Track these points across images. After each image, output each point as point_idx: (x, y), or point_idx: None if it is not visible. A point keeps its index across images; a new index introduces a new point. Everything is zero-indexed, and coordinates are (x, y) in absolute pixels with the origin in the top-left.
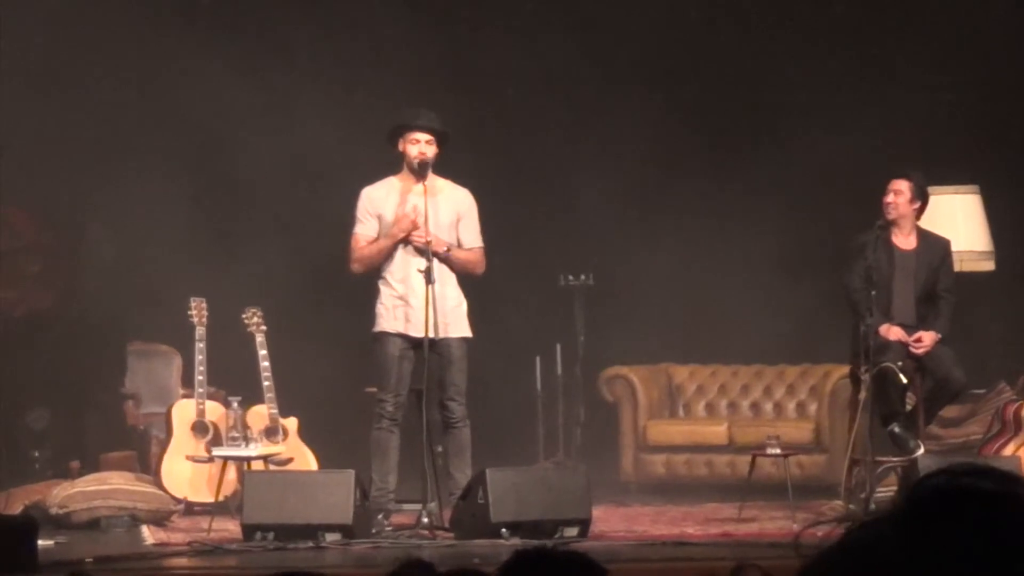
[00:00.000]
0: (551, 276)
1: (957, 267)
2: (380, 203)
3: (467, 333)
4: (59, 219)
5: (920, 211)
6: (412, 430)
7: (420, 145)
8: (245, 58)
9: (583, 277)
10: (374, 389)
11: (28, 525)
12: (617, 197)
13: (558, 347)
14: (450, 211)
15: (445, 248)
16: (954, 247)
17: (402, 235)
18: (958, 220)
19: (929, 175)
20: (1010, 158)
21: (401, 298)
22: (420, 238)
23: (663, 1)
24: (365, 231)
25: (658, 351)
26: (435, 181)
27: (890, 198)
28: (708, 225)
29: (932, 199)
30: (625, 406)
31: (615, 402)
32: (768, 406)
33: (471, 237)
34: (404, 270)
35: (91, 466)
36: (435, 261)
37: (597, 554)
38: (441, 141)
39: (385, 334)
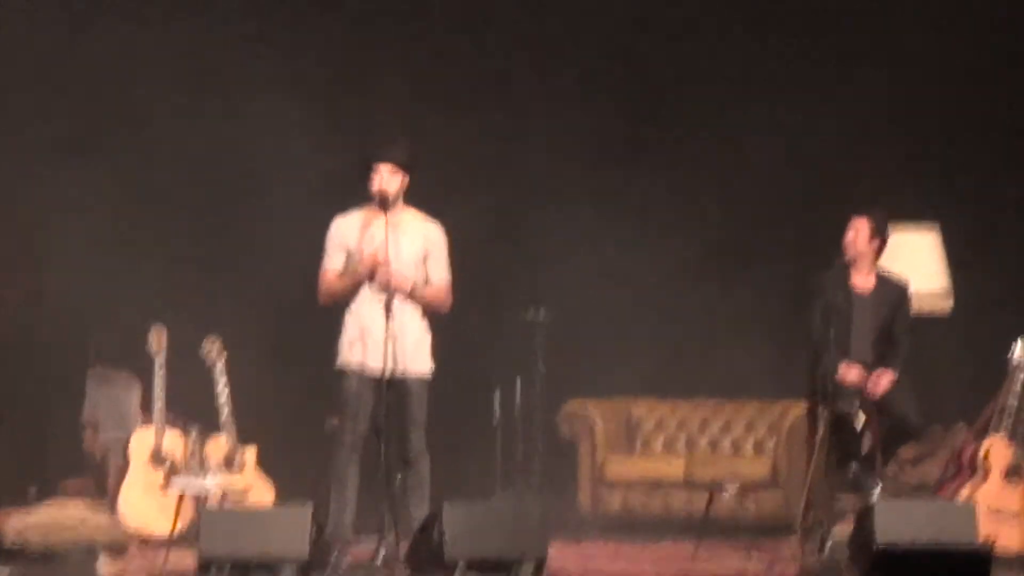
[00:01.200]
0: (512, 309)
1: (915, 306)
2: (347, 235)
3: (427, 368)
4: (17, 244)
5: (879, 250)
6: (371, 463)
7: (382, 178)
8: (212, 80)
9: (543, 311)
10: (335, 420)
11: None
12: (578, 232)
13: (518, 380)
14: (416, 245)
15: (409, 286)
16: (913, 286)
17: (365, 272)
18: (917, 258)
19: (890, 211)
20: (970, 195)
21: (362, 331)
22: (382, 276)
23: (631, 43)
24: (332, 264)
25: (617, 385)
26: (403, 214)
27: (850, 236)
28: (668, 261)
29: (892, 238)
30: (584, 440)
31: (574, 436)
32: (726, 442)
33: (438, 272)
34: (367, 303)
35: (48, 492)
36: (396, 296)
37: None
38: (409, 171)
39: (347, 367)
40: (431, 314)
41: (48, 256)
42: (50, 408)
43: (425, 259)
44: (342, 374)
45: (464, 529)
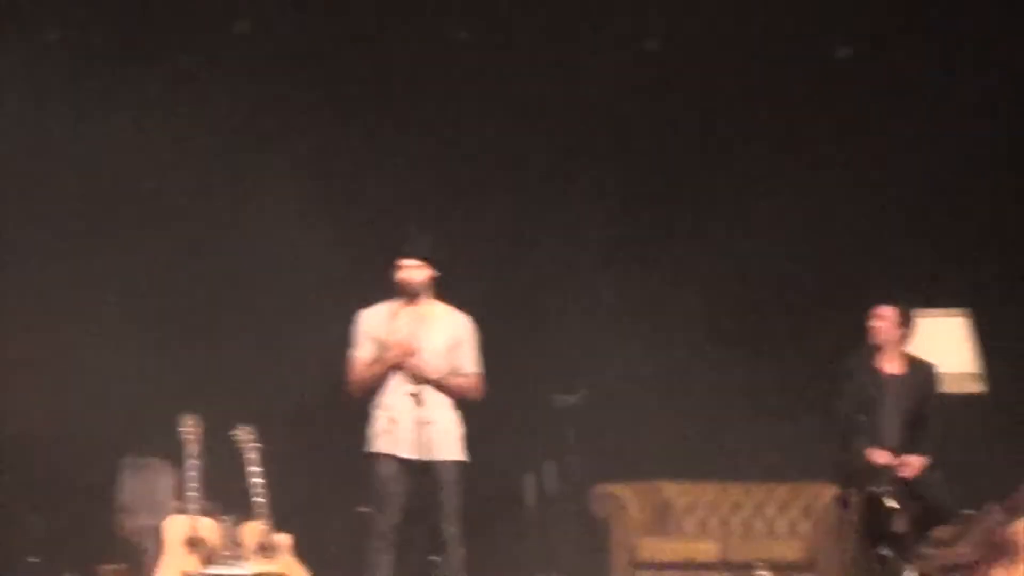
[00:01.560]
0: (541, 395)
1: (945, 389)
2: (375, 326)
3: (460, 456)
4: (51, 331)
5: (905, 336)
6: (405, 551)
7: (408, 271)
8: (236, 171)
9: (572, 397)
10: (367, 509)
11: None
12: (607, 316)
13: (549, 464)
14: (445, 336)
15: (437, 375)
16: (942, 369)
17: (394, 361)
18: (945, 343)
19: (916, 297)
20: (998, 278)
21: (392, 420)
22: (411, 365)
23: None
24: (361, 354)
25: (649, 468)
26: (432, 306)
27: (875, 323)
28: (700, 344)
29: (919, 322)
30: (616, 523)
31: (606, 519)
32: (759, 524)
33: (468, 363)
34: (395, 394)
35: None
36: (426, 385)
37: None
38: (434, 265)
39: (377, 454)
40: (462, 405)
41: (83, 346)
42: (85, 496)
43: (454, 349)
44: (372, 462)
45: None
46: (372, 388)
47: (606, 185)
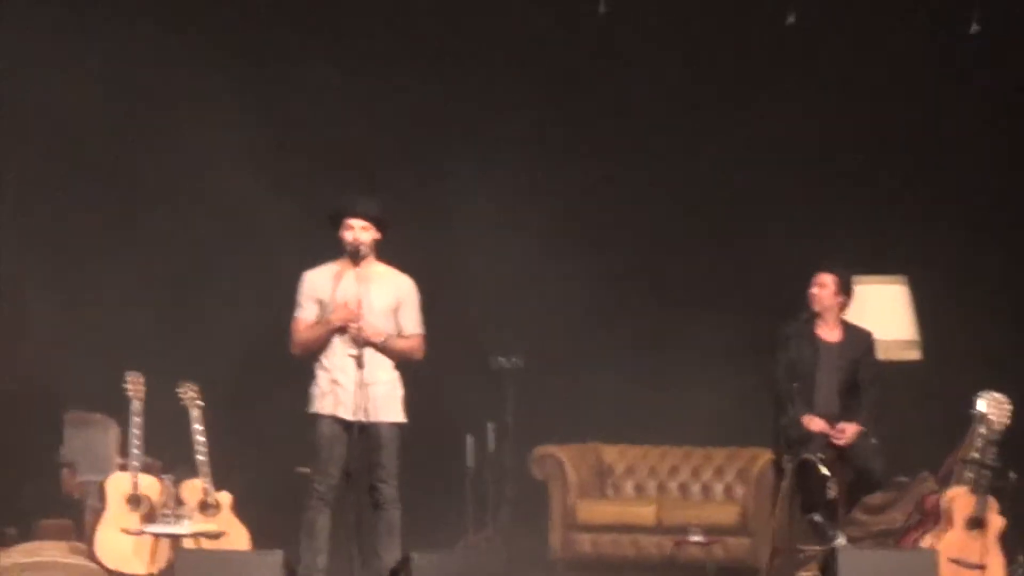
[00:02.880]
0: (482, 358)
1: (883, 356)
2: (319, 287)
3: (399, 418)
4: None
5: (844, 304)
6: (343, 510)
7: (354, 231)
8: (185, 127)
9: (514, 359)
10: (306, 469)
11: None
12: (549, 279)
13: (489, 425)
14: (388, 297)
15: (381, 338)
16: (880, 336)
17: (337, 323)
18: (884, 310)
19: (857, 264)
20: (939, 248)
21: (333, 381)
22: (354, 327)
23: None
24: (304, 315)
25: (588, 431)
26: (375, 267)
27: (815, 290)
28: (640, 308)
29: (859, 289)
30: (555, 484)
31: (545, 480)
32: (696, 488)
33: (411, 324)
34: (337, 355)
35: (27, 533)
36: (368, 347)
37: None
38: (381, 227)
39: (318, 415)
40: (403, 366)
41: (27, 301)
42: (28, 451)
43: (397, 311)
44: (313, 422)
45: None
46: (314, 349)
47: (549, 140)
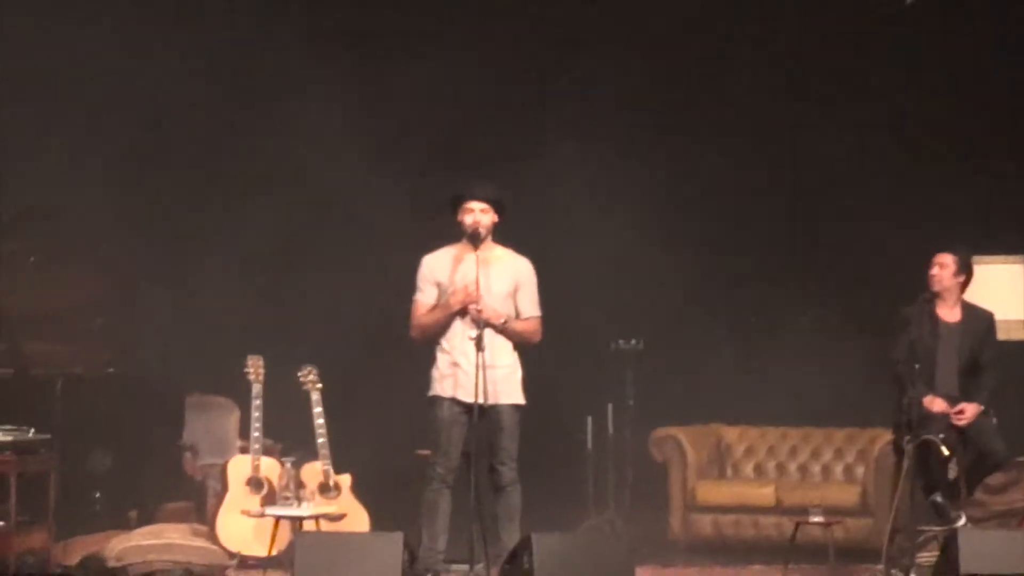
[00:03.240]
0: (602, 342)
1: (1003, 336)
2: (438, 271)
3: (519, 400)
4: (121, 275)
5: (964, 284)
6: (463, 492)
7: (474, 214)
8: (300, 117)
9: (633, 341)
10: (426, 451)
11: None
12: (668, 262)
13: (609, 407)
14: (507, 280)
15: (501, 320)
16: (999, 316)
17: (457, 306)
18: (1004, 290)
19: (977, 245)
20: None
21: (454, 364)
22: (474, 309)
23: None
24: (424, 299)
25: (708, 412)
26: (493, 250)
27: (935, 271)
28: (756, 291)
29: (978, 269)
30: (674, 466)
31: (665, 462)
32: (816, 468)
33: (529, 306)
34: (457, 337)
35: (149, 516)
36: (488, 329)
37: None
38: (499, 210)
39: (438, 398)
40: (522, 348)
41: (150, 286)
42: (150, 434)
43: (515, 293)
44: (433, 405)
45: (553, 559)
46: (434, 333)
47: (655, 122)
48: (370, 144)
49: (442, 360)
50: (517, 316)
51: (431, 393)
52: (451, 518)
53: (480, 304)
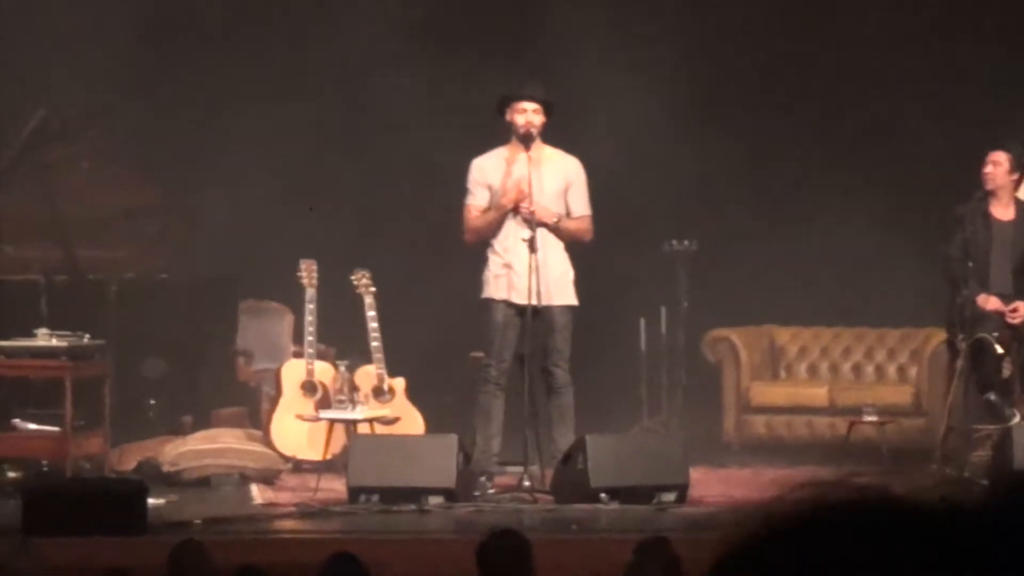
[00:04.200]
0: (655, 242)
1: None
2: (489, 173)
3: (572, 301)
4: (174, 180)
5: (1019, 182)
6: (517, 394)
7: (526, 115)
8: (354, 24)
9: (687, 242)
10: (480, 354)
11: (139, 487)
12: (720, 162)
13: (662, 310)
14: (558, 180)
15: (554, 219)
16: None
17: (510, 206)
18: None
19: None
20: None
21: (506, 266)
22: (526, 209)
23: None
24: (476, 201)
25: (761, 313)
26: (543, 150)
27: (988, 169)
28: (809, 190)
29: None
30: (728, 368)
31: (718, 364)
32: (869, 369)
33: (580, 205)
34: (510, 239)
35: (203, 422)
36: (540, 230)
37: (695, 520)
38: (548, 110)
39: (491, 300)
40: (574, 249)
41: (203, 192)
42: (204, 339)
43: (566, 192)
44: (486, 307)
45: (607, 459)
46: (487, 235)
47: (729, 47)
48: (415, 49)
49: (494, 262)
50: (568, 215)
51: (483, 295)
52: (505, 420)
53: (532, 203)
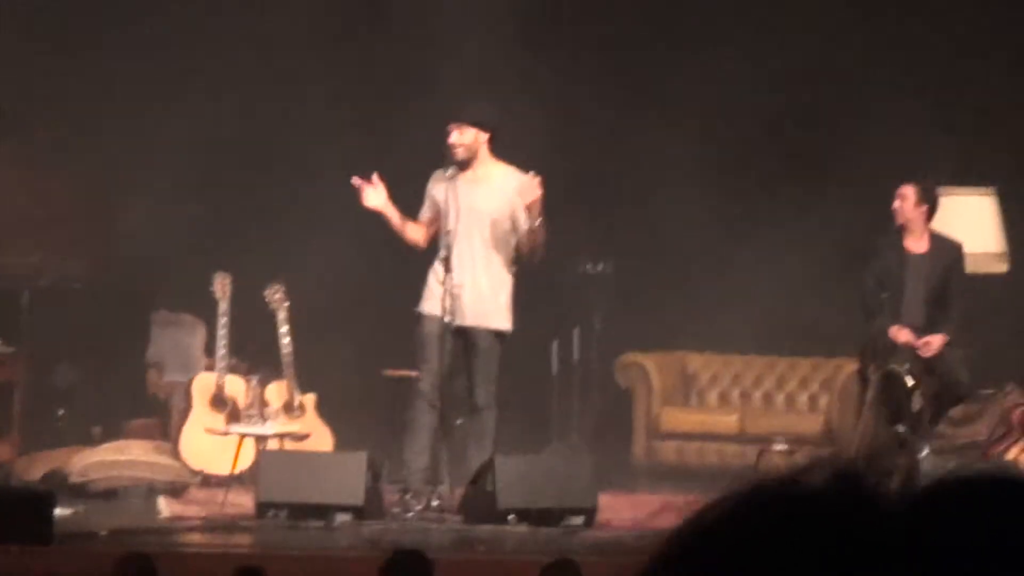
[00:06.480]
0: (570, 264)
1: (970, 268)
2: (434, 188)
3: (498, 325)
4: (89, 188)
5: (929, 214)
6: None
7: (451, 135)
8: (282, 24)
9: (601, 265)
10: (394, 372)
11: (46, 496)
12: (637, 187)
13: (575, 332)
14: (495, 198)
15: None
16: (967, 249)
17: (399, 227)
18: (972, 222)
19: (947, 177)
20: None
21: (441, 283)
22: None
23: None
24: (421, 213)
25: (673, 339)
26: (490, 168)
27: (896, 203)
28: (726, 216)
29: (947, 201)
30: (639, 392)
31: (629, 388)
32: (780, 397)
33: (523, 219)
34: (453, 256)
35: (113, 432)
36: (478, 248)
37: (603, 543)
38: (483, 128)
39: (424, 315)
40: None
41: (117, 202)
42: (115, 350)
43: (513, 209)
44: (420, 321)
45: (516, 480)
46: (413, 244)
47: (661, 60)
48: (355, 53)
49: (432, 276)
50: (515, 230)
51: (419, 309)
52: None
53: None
